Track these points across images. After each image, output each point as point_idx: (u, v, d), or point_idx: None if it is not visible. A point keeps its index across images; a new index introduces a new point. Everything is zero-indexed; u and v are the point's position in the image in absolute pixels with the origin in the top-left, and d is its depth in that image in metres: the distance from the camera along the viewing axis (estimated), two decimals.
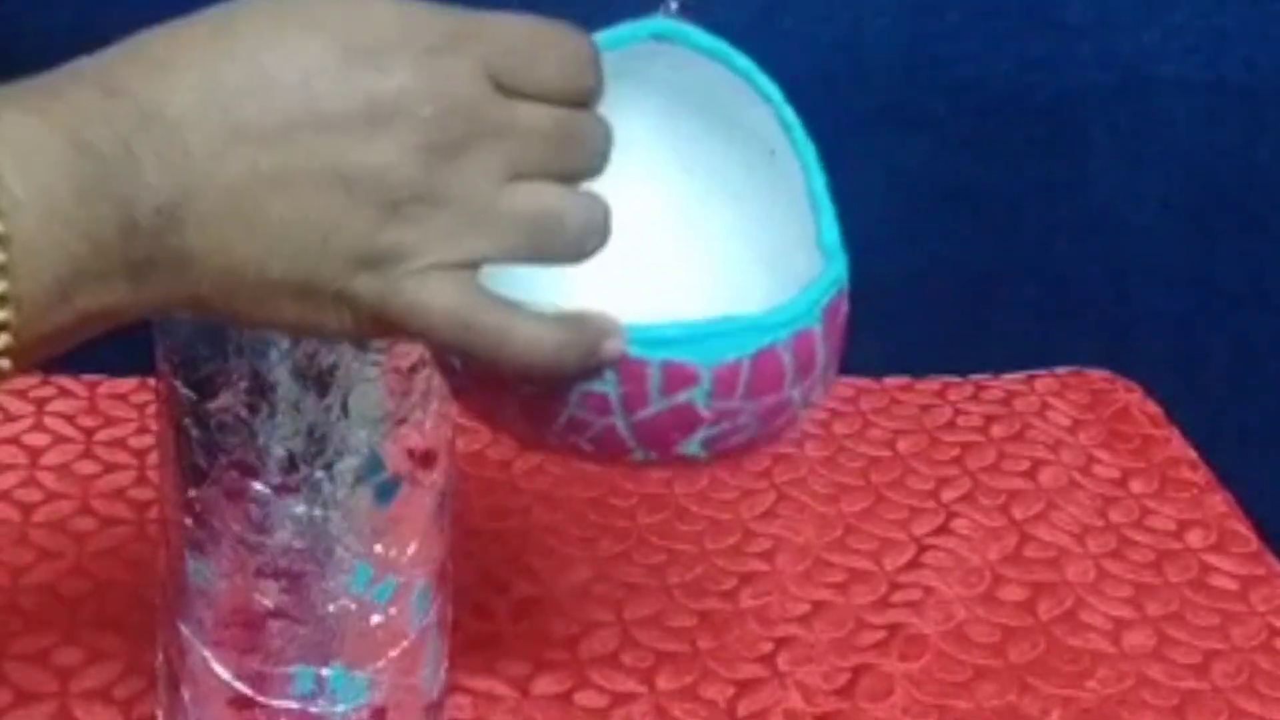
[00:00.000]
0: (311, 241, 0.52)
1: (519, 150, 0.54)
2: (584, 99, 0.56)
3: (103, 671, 0.81)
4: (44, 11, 1.07)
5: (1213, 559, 0.93)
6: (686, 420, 0.61)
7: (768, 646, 0.85)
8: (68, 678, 0.80)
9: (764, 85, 0.65)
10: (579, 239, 0.56)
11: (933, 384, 1.07)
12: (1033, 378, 1.08)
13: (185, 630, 0.71)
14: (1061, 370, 1.09)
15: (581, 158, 0.56)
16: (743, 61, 0.65)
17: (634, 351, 0.59)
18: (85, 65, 0.52)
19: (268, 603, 0.69)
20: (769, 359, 0.61)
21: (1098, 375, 1.09)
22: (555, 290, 0.60)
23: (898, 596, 0.89)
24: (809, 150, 0.65)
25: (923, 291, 1.17)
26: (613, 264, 0.64)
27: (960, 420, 1.04)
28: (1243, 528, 0.96)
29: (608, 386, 0.60)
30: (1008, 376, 1.08)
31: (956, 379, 1.08)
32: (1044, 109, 1.19)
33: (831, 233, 0.64)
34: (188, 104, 0.51)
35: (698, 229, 0.70)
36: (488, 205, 0.54)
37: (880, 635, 0.86)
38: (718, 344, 0.60)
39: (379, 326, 0.54)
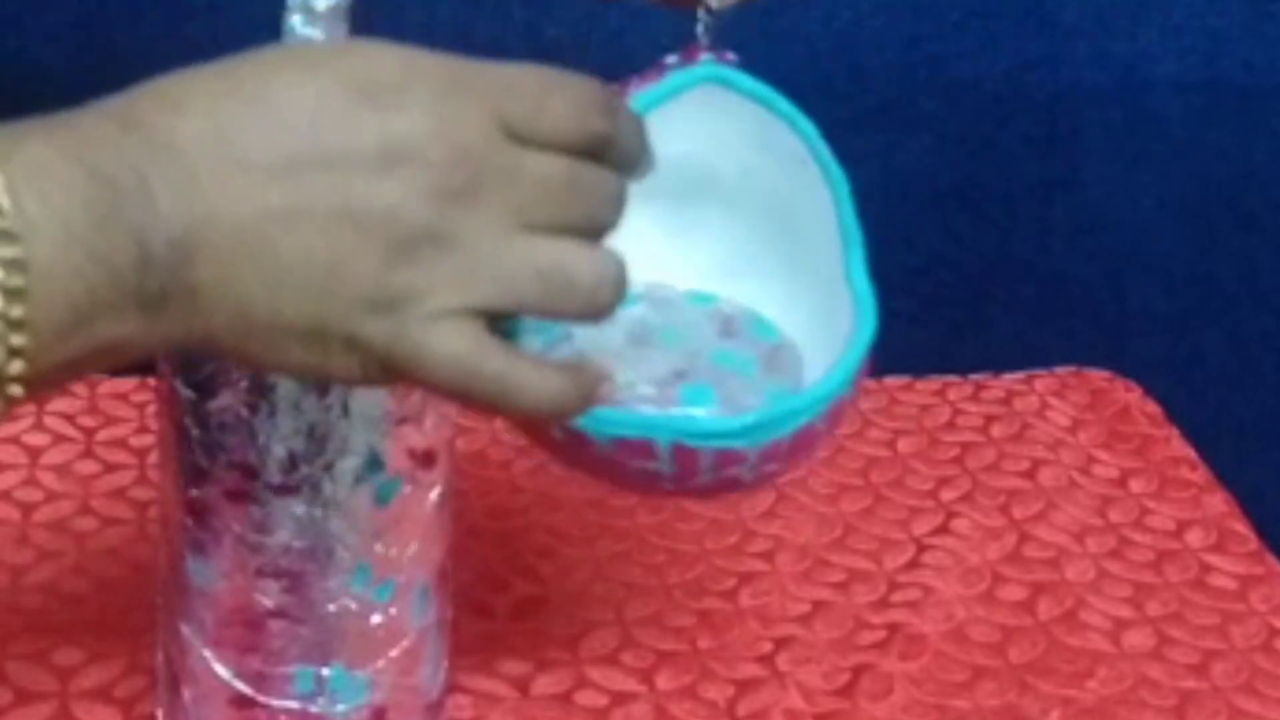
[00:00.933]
0: (320, 280, 0.52)
1: (529, 199, 0.55)
2: (596, 145, 0.56)
3: (103, 671, 0.81)
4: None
5: (1212, 558, 0.93)
6: (730, 484, 0.69)
7: (767, 646, 0.85)
8: (68, 677, 0.80)
9: (806, 130, 0.72)
10: (590, 293, 0.56)
11: (932, 384, 1.07)
12: (1032, 377, 1.08)
13: (186, 630, 0.71)
14: (1061, 370, 1.09)
15: (593, 209, 0.56)
16: (785, 106, 0.71)
17: (690, 442, 0.66)
18: (101, 104, 0.53)
19: (268, 602, 0.69)
20: (807, 433, 0.68)
21: (1097, 375, 1.09)
22: None
23: (897, 596, 0.89)
24: (843, 186, 0.72)
25: (922, 291, 1.18)
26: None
27: (960, 420, 1.04)
28: (1242, 527, 0.96)
29: (663, 466, 0.67)
30: (1007, 376, 1.08)
31: (956, 379, 1.08)
32: (1041, 108, 1.19)
33: (863, 284, 0.70)
34: (197, 136, 0.51)
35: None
36: (498, 252, 0.54)
37: (880, 635, 0.86)
38: (763, 432, 0.67)
39: (385, 372, 0.55)
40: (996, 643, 0.87)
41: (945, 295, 1.19)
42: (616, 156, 0.57)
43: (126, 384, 1.00)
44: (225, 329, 0.52)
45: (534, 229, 0.55)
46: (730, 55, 0.73)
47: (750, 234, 0.76)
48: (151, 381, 0.73)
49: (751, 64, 0.78)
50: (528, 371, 0.55)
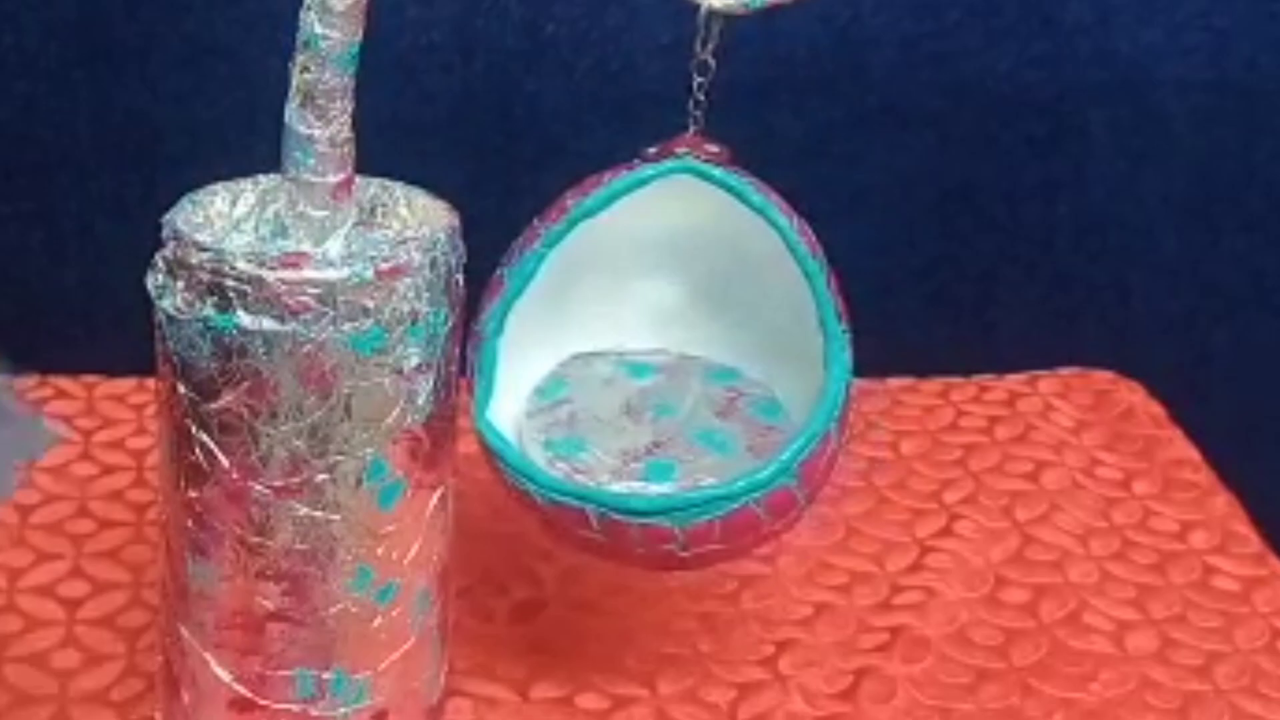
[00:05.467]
0: None
1: None
2: None
3: (101, 674, 0.80)
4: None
5: (1216, 560, 0.93)
6: (670, 559, 0.74)
7: (769, 649, 0.85)
8: (66, 680, 0.80)
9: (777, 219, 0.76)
10: None
11: (935, 385, 1.07)
12: (1036, 378, 1.08)
13: (185, 632, 0.70)
14: (1065, 371, 1.09)
15: None
16: (757, 199, 0.75)
17: (616, 515, 0.71)
18: None
19: (269, 605, 0.69)
20: (742, 515, 0.72)
21: (1101, 376, 1.09)
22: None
23: (900, 599, 0.89)
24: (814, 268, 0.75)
25: (924, 291, 1.17)
26: None
27: (963, 421, 1.04)
28: (1245, 529, 0.96)
29: (597, 535, 0.72)
30: (1011, 377, 1.08)
31: (959, 380, 1.08)
32: (1044, 107, 1.18)
33: (837, 378, 0.75)
34: None
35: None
36: None
37: (882, 638, 0.86)
38: (687, 514, 0.71)
39: None
40: (999, 645, 0.86)
41: (948, 295, 1.19)
42: None
43: (124, 385, 1.00)
44: None
45: None
46: (713, 147, 0.75)
47: (778, 316, 0.79)
48: (149, 383, 0.73)
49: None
50: None
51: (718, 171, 0.76)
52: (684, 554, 0.73)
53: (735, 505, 0.72)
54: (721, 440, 0.78)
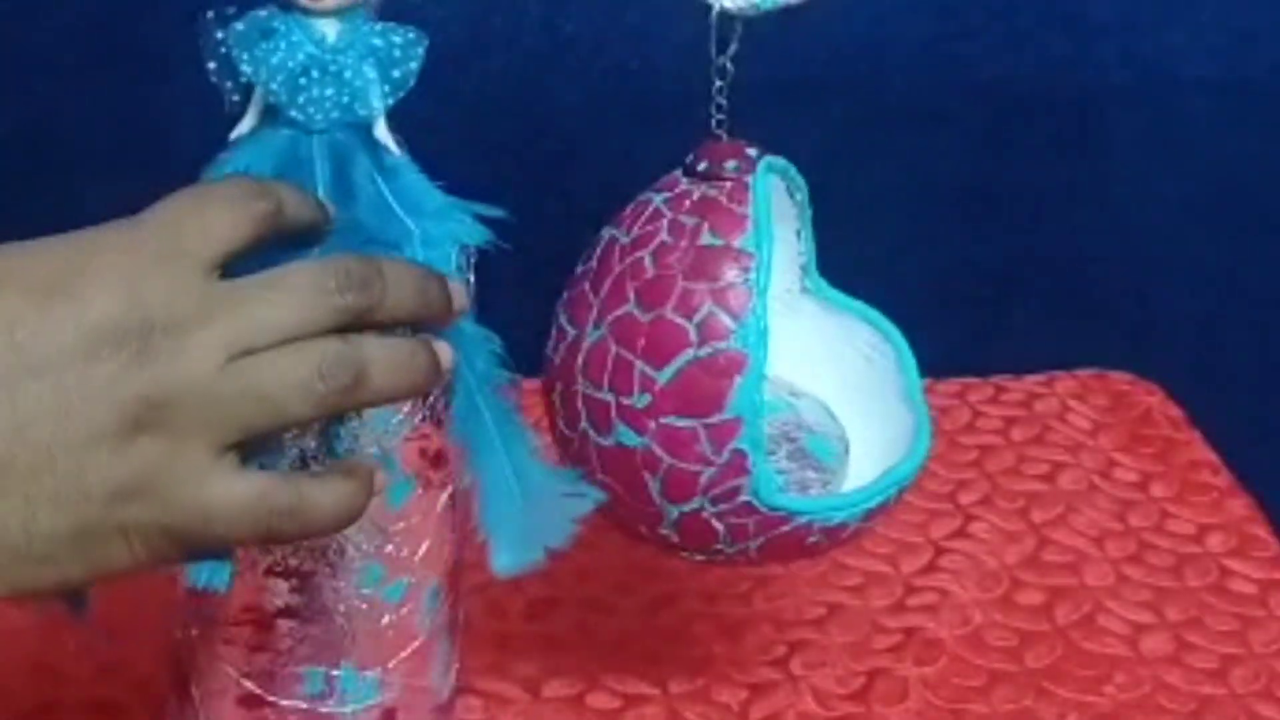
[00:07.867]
0: (64, 484, 0.52)
1: (240, 324, 0.54)
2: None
3: (109, 669, 0.80)
4: None
5: (1232, 563, 0.93)
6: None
7: (781, 650, 0.85)
8: (69, 678, 0.80)
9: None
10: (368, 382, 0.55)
11: (952, 385, 1.07)
12: (1053, 379, 1.08)
13: (195, 629, 0.70)
14: (1082, 372, 1.08)
15: (294, 310, 0.55)
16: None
17: (902, 485, 0.72)
18: None
19: (278, 602, 0.69)
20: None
21: (1119, 377, 1.08)
22: None
23: (914, 600, 0.89)
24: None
25: (942, 291, 1.17)
26: None
27: (979, 422, 1.04)
28: (1263, 532, 0.95)
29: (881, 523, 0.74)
30: (1028, 378, 1.08)
31: (976, 380, 1.07)
32: (1066, 109, 1.18)
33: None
34: None
35: None
36: (221, 382, 0.53)
37: (896, 639, 0.86)
38: (922, 464, 0.73)
39: (177, 544, 0.54)
40: (1013, 647, 0.86)
41: (966, 295, 1.19)
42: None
43: None
44: None
45: (250, 349, 0.54)
46: (750, 145, 0.74)
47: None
48: None
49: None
50: (315, 489, 0.55)
51: (784, 163, 0.75)
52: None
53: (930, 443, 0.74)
54: (778, 404, 0.78)
